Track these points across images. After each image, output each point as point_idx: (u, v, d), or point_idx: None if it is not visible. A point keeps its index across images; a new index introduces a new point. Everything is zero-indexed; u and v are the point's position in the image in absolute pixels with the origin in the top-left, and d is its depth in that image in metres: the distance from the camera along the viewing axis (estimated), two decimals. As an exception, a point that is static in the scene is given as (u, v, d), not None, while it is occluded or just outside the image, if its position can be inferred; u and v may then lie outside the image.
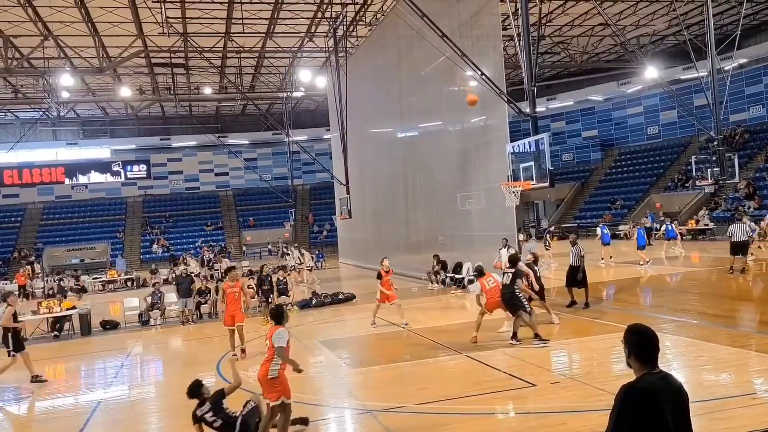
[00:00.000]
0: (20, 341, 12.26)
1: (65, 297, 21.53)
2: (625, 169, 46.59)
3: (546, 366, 10.31)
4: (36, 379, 12.01)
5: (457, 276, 21.58)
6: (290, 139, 45.61)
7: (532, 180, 14.79)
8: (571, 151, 50.13)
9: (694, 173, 26.36)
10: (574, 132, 50.42)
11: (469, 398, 8.57)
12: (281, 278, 20.45)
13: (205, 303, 19.33)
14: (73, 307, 18.10)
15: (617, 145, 48.44)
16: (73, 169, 48.23)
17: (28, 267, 36.91)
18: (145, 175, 50.81)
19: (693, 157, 30.21)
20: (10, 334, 11.93)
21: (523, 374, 9.40)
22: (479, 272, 12.71)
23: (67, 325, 17.84)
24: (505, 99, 17.16)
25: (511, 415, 7.91)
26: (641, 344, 3.45)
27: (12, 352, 11.91)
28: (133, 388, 11.69)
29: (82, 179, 48.58)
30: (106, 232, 48.31)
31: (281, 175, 52.08)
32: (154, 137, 50.79)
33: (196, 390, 7.23)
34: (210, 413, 7.06)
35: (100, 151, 48.76)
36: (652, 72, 30.83)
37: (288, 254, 33.31)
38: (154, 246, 47.58)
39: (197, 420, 7.10)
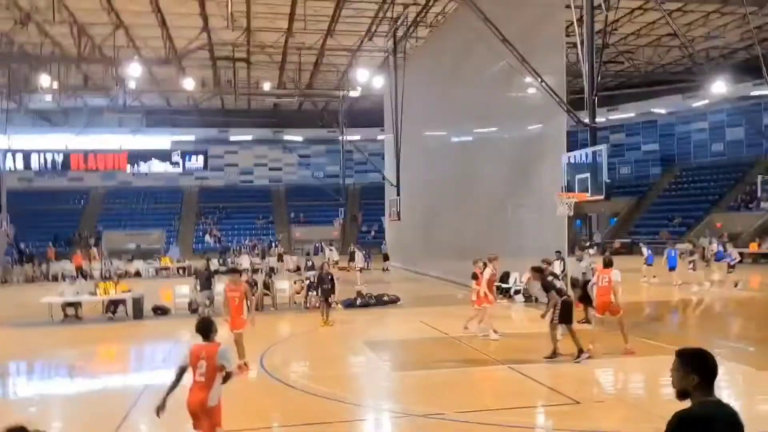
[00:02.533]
0: None
1: (119, 281, 22.21)
2: (685, 186, 45.11)
3: (591, 383, 10.06)
4: None
5: (503, 285, 21.28)
6: (344, 137, 46.01)
7: (587, 192, 14.46)
8: (630, 165, 48.87)
9: (759, 194, 25.32)
10: (633, 145, 49.13)
11: (510, 410, 8.43)
12: (326, 276, 20.66)
13: (253, 295, 19.59)
14: (128, 291, 18.65)
15: (679, 161, 46.96)
16: (136, 156, 49.79)
17: (93, 249, 38.42)
18: (202, 166, 52.01)
19: (759, 177, 29.01)
20: None
21: (567, 390, 9.19)
22: (606, 263, 12.07)
23: (120, 308, 18.42)
24: (565, 108, 16.84)
25: (552, 431, 7.74)
26: (705, 368, 3.30)
27: None
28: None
29: (143, 167, 50.11)
30: (162, 220, 49.69)
31: (333, 173, 52.49)
32: (212, 129, 51.96)
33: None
34: None
35: (161, 140, 50.18)
36: (720, 86, 29.77)
37: (330, 251, 33.58)
38: (207, 236, 48.68)
39: None
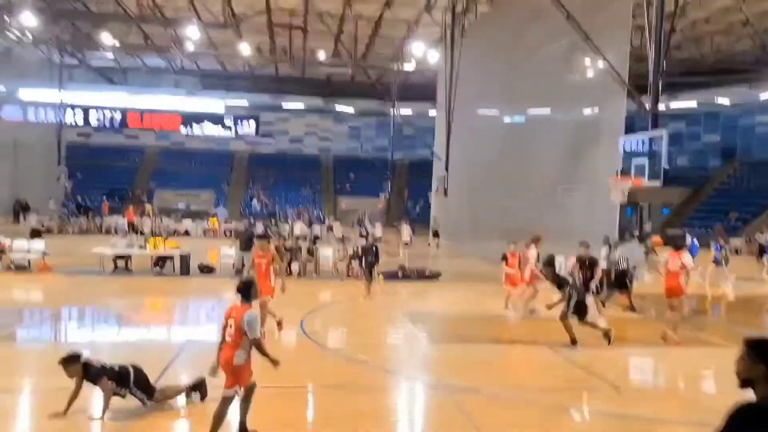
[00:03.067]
0: None
1: (168, 238, 22.79)
2: (745, 180, 43.39)
3: (633, 370, 9.86)
4: None
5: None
6: (395, 111, 45.80)
7: (644, 178, 14.03)
8: (687, 155, 47.24)
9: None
10: (693, 135, 47.40)
11: (548, 391, 8.33)
12: (372, 248, 20.73)
13: (296, 261, 19.86)
14: (176, 248, 19.12)
15: (740, 154, 45.14)
16: (189, 118, 50.60)
17: (146, 206, 39.48)
18: (253, 132, 52.51)
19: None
20: None
21: (608, 376, 9.02)
22: (678, 246, 11.84)
23: (168, 264, 18.92)
24: (626, 90, 16.31)
25: (590, 415, 7.60)
26: None
27: None
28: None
29: (196, 129, 50.91)
30: (212, 182, 50.58)
31: (382, 147, 52.40)
32: (265, 95, 52.35)
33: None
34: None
35: (214, 103, 50.84)
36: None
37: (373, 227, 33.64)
38: (254, 201, 49.39)
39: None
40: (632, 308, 14.59)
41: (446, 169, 29.90)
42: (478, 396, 7.91)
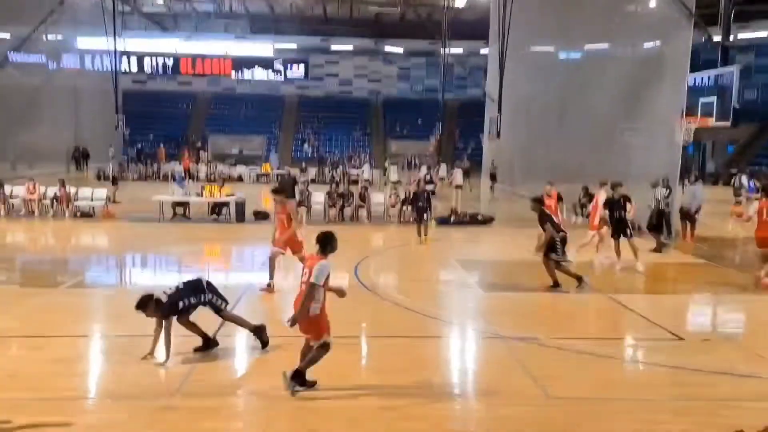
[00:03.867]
0: None
1: (223, 184, 23.17)
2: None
3: (698, 319, 9.61)
4: None
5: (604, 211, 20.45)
6: (446, 50, 44.59)
7: (711, 117, 13.32)
8: (755, 89, 44.64)
9: None
10: (763, 67, 44.64)
11: (608, 340, 8.23)
12: (423, 192, 20.62)
13: (349, 206, 19.97)
14: (232, 195, 19.46)
15: (814, 87, 42.41)
16: (240, 63, 50.64)
17: (202, 152, 40.24)
18: (302, 76, 52.26)
19: None
20: None
21: (670, 325, 8.81)
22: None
23: (224, 210, 19.32)
24: (693, 21, 15.33)
25: (650, 366, 7.45)
26: None
27: None
28: (278, 271, 12.47)
29: (246, 74, 50.99)
30: (263, 127, 50.92)
31: (432, 87, 51.43)
32: (314, 38, 51.75)
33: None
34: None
35: (264, 47, 50.60)
36: None
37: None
38: (305, 145, 49.60)
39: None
40: (658, 249, 14.57)
41: (499, 110, 29.10)
42: (532, 344, 7.86)
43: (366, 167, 33.86)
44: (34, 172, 31.76)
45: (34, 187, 19.02)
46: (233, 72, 50.36)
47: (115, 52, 41.95)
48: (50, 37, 33.07)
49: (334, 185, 21.08)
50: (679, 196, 17.28)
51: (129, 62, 46.75)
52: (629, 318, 9.43)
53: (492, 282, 12.16)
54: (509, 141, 31.38)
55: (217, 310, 7.32)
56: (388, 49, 51.69)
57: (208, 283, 7.37)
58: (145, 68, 48.75)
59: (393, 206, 20.33)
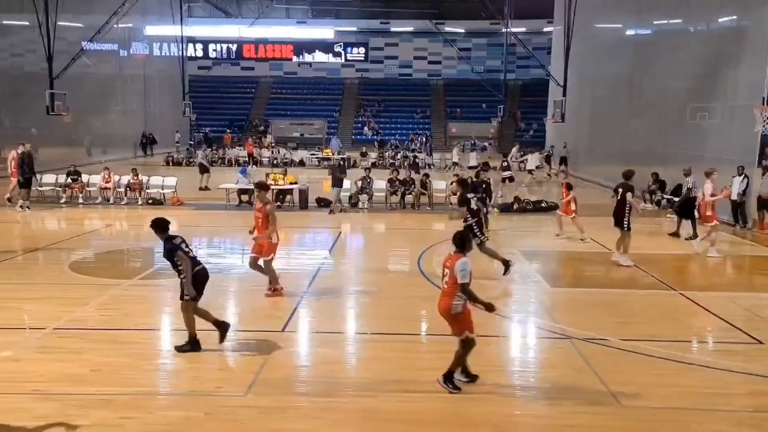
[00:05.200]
0: None
1: (286, 171, 23.52)
2: None
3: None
4: None
5: (675, 199, 19.71)
6: (508, 30, 43.61)
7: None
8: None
9: None
10: None
11: (681, 343, 7.94)
12: (485, 179, 20.35)
13: (410, 194, 19.94)
14: (295, 183, 19.74)
15: None
16: (301, 47, 51.10)
17: (266, 138, 40.85)
18: (362, 58, 52.26)
19: None
20: None
21: (749, 327, 8.45)
22: None
23: (288, 198, 19.64)
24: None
25: (730, 371, 7.15)
26: None
27: None
28: (342, 260, 12.64)
29: (307, 57, 51.42)
30: (324, 110, 51.38)
31: (494, 68, 50.57)
32: (374, 20, 51.64)
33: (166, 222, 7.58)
34: (186, 244, 7.48)
35: (324, 31, 50.86)
36: None
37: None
38: (365, 128, 49.76)
39: (180, 249, 7.35)
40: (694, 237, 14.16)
41: (564, 92, 28.39)
42: (601, 345, 7.70)
43: (424, 152, 33.69)
44: (108, 157, 33.14)
45: (110, 176, 19.82)
46: (294, 56, 50.90)
47: (182, 38, 43.16)
48: (121, 26, 34.10)
49: (395, 172, 21.03)
50: (757, 185, 16.45)
51: (195, 49, 47.86)
52: (704, 318, 9.08)
53: (558, 275, 11.94)
54: (574, 123, 30.61)
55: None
56: (448, 29, 51.00)
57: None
58: (210, 54, 49.84)
59: (454, 193, 20.13)
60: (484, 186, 16.06)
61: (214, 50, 49.94)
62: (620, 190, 12.30)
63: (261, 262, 9.62)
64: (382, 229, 17.36)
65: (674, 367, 7.13)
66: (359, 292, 10.55)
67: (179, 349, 7.32)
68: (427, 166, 32.78)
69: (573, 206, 14.88)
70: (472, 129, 48.16)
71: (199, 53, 49.46)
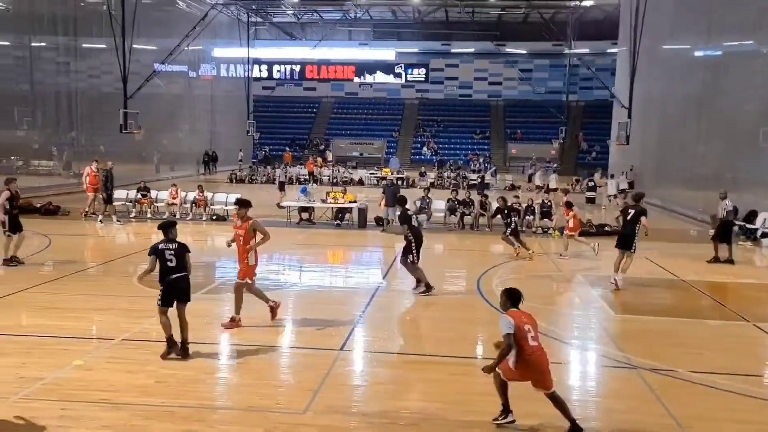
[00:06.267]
0: (17, 223, 12.81)
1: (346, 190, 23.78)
2: None
3: None
4: (13, 260, 12.64)
5: (748, 226, 18.89)
6: (571, 51, 43.10)
7: None
8: None
9: None
10: None
11: (757, 378, 7.54)
12: (546, 200, 20.06)
13: (468, 215, 19.81)
14: (354, 201, 19.92)
15: None
16: (362, 68, 51.85)
17: (327, 153, 41.52)
18: (423, 79, 52.54)
19: None
20: (7, 216, 12.65)
21: (830, 364, 7.96)
22: None
23: (347, 216, 19.82)
24: None
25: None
26: None
27: (8, 233, 12.73)
28: (399, 280, 12.62)
29: (368, 78, 52.11)
30: (384, 130, 51.82)
31: (555, 89, 49.94)
32: (435, 42, 51.92)
33: (168, 226, 8.01)
34: (171, 251, 7.77)
35: (386, 52, 51.44)
36: None
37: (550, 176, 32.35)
38: (424, 148, 49.87)
39: (155, 251, 7.77)
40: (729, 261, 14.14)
41: (629, 114, 27.70)
42: (669, 377, 7.39)
43: (488, 172, 33.47)
44: (174, 174, 34.32)
45: (177, 192, 20.51)
46: (356, 77, 51.70)
47: (248, 60, 44.52)
48: (191, 48, 35.46)
49: (454, 192, 20.97)
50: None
51: (260, 70, 49.25)
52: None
53: (623, 302, 11.55)
54: (639, 145, 29.82)
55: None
56: (509, 50, 50.77)
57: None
58: (274, 75, 51.20)
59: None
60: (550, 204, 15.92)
61: (278, 71, 51.28)
62: (631, 212, 12.00)
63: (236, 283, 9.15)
64: (441, 249, 17.26)
65: (751, 402, 6.77)
66: (417, 313, 10.51)
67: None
68: (485, 186, 32.51)
69: (571, 224, 15.36)
70: (533, 150, 47.58)
71: (264, 74, 50.88)
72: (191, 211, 20.43)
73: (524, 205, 19.37)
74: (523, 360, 5.97)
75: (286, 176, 30.12)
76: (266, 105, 51.11)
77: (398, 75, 51.97)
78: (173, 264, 7.74)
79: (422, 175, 36.40)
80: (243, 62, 44.70)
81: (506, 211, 15.42)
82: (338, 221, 19.64)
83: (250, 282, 9.04)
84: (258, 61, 48.79)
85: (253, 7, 42.79)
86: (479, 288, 11.83)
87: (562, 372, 7.84)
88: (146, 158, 34.35)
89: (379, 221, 19.71)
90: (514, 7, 42.72)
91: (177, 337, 7.73)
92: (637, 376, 7.47)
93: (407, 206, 12.08)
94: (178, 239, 8.04)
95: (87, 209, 19.77)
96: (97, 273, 12.84)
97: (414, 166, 44.27)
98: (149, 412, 6.16)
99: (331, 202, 19.79)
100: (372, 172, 37.78)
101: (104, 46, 29.05)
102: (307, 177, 35.60)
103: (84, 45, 30.67)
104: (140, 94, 28.15)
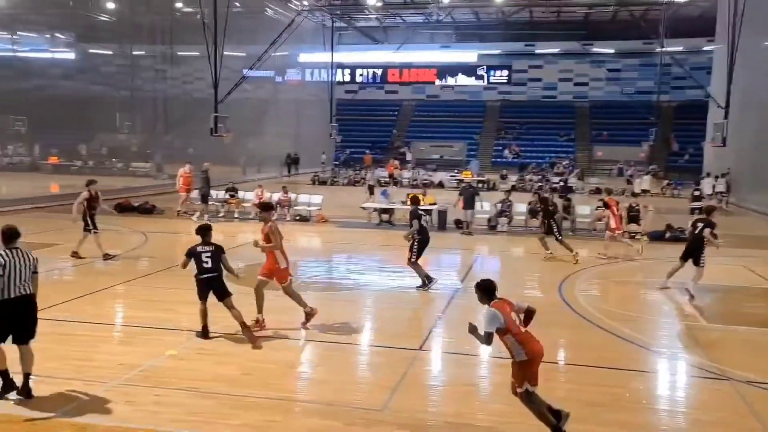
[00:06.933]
0: (94, 222, 13.59)
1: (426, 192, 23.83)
2: None
3: None
4: (107, 257, 13.48)
5: None
6: (663, 49, 41.34)
7: None
8: None
9: None
10: None
11: None
12: (634, 204, 19.34)
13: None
14: (434, 204, 19.95)
15: None
16: (444, 70, 51.80)
17: (406, 154, 41.82)
18: (505, 81, 51.90)
19: None
20: (88, 215, 13.47)
21: None
22: None
23: (427, 218, 19.83)
24: None
25: None
26: None
27: (93, 230, 13.55)
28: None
29: (450, 81, 52.03)
30: (464, 133, 51.45)
31: (645, 89, 48.01)
32: (518, 43, 51.10)
33: (204, 230, 8.71)
34: (207, 254, 8.40)
35: (468, 54, 51.13)
36: None
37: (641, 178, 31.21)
38: (505, 151, 49.15)
39: (192, 254, 8.46)
40: None
41: (726, 114, 26.27)
42: (764, 388, 6.99)
43: (571, 175, 32.65)
44: (260, 176, 35.50)
45: (262, 193, 21.21)
46: (437, 79, 51.72)
47: (332, 65, 45.46)
48: (277, 54, 36.58)
49: (536, 195, 20.58)
50: None
51: (343, 74, 50.15)
52: None
53: (715, 311, 11.02)
54: (736, 147, 28.25)
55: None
56: (596, 50, 49.27)
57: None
58: (357, 79, 52.00)
59: (599, 220, 19.34)
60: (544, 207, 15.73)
61: (361, 75, 52.08)
62: (700, 225, 11.44)
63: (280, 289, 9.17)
64: (521, 253, 17.01)
65: None
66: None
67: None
68: (568, 190, 31.72)
69: (612, 224, 15.34)
70: (620, 153, 45.95)
71: (347, 78, 51.85)
72: (276, 211, 21.03)
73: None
74: (528, 349, 5.65)
75: (374, 179, 30.64)
76: (348, 108, 51.92)
77: (480, 77, 51.62)
78: (209, 265, 8.41)
79: (503, 178, 35.94)
80: (327, 67, 45.67)
81: (547, 210, 15.40)
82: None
83: (289, 281, 9.12)
84: (341, 65, 49.74)
85: (338, 12, 43.66)
86: (561, 293, 11.59)
87: (649, 381, 7.61)
88: (234, 160, 35.70)
89: (459, 223, 19.64)
90: (602, 6, 41.43)
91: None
92: (730, 388, 7.12)
93: (420, 206, 12.36)
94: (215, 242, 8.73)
95: (179, 208, 20.85)
96: (187, 269, 13.46)
97: (495, 168, 43.73)
98: (235, 401, 6.44)
99: (410, 204, 19.87)
100: (452, 174, 37.64)
101: (197, 53, 30.45)
102: (387, 179, 35.92)
103: (179, 53, 32.28)
104: (229, 99, 29.30)
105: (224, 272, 8.55)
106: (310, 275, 13.64)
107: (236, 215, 21.16)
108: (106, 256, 13.50)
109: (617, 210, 15.64)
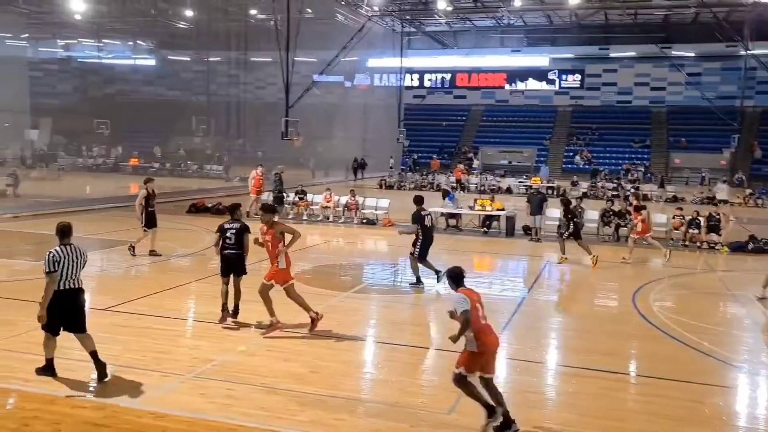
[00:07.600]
0: (152, 219, 14.01)
1: (494, 197, 23.57)
2: None
3: None
4: (153, 253, 13.97)
5: None
6: (747, 52, 39.44)
7: None
8: None
9: None
10: None
11: None
12: (714, 213, 18.55)
13: (624, 226, 18.80)
14: (502, 209, 19.72)
15: None
16: (514, 75, 51.11)
17: (473, 160, 41.56)
18: (578, 85, 50.70)
19: None
20: (143, 213, 13.85)
21: None
22: None
23: (494, 224, 19.65)
24: None
25: None
26: None
27: (144, 228, 13.97)
28: (547, 290, 12.30)
29: (520, 85, 51.29)
30: (534, 138, 50.54)
31: (727, 94, 45.87)
32: (592, 47, 49.80)
33: (233, 209, 9.28)
34: (233, 230, 8.88)
35: (539, 59, 50.31)
36: None
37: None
38: (577, 157, 47.97)
39: (221, 229, 8.96)
40: None
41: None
42: None
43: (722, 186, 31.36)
44: (328, 179, 36.06)
45: (330, 196, 21.53)
46: (507, 84, 51.11)
47: (401, 70, 45.69)
48: (347, 59, 37.11)
49: (609, 202, 20.04)
50: None
51: (411, 79, 50.29)
52: None
53: (801, 327, 10.40)
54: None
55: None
56: (675, 53, 47.44)
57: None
58: (425, 83, 52.02)
59: (676, 228, 18.63)
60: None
61: (429, 80, 52.04)
62: None
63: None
64: (588, 261, 16.54)
65: None
66: (565, 324, 10.21)
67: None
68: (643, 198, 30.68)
69: (639, 228, 15.52)
70: (698, 160, 44.05)
71: (415, 83, 51.92)
72: (343, 214, 21.34)
73: (688, 218, 18.23)
74: (481, 341, 5.73)
75: (449, 183, 30.61)
76: (416, 113, 52.00)
77: (551, 81, 50.67)
78: (231, 241, 8.88)
79: (574, 184, 35.13)
80: (396, 71, 45.96)
81: (568, 214, 15.26)
82: (485, 228, 19.53)
83: (270, 284, 8.89)
84: (410, 70, 49.87)
85: (407, 17, 43.86)
86: (635, 303, 11.22)
87: (729, 396, 7.27)
88: (303, 164, 36.40)
89: (527, 230, 19.32)
90: (682, 7, 39.92)
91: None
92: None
93: (424, 207, 12.39)
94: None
95: (248, 209, 21.36)
96: (257, 269, 13.81)
97: (566, 175, 42.77)
98: (302, 398, 6.56)
99: (478, 209, 19.73)
100: (521, 180, 37.07)
101: (269, 59, 31.28)
102: (455, 184, 35.71)
103: (252, 59, 33.26)
104: (299, 104, 29.92)
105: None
106: (376, 278, 13.74)
107: (305, 217, 21.54)
108: (152, 252, 14.04)
109: (643, 215, 15.73)
